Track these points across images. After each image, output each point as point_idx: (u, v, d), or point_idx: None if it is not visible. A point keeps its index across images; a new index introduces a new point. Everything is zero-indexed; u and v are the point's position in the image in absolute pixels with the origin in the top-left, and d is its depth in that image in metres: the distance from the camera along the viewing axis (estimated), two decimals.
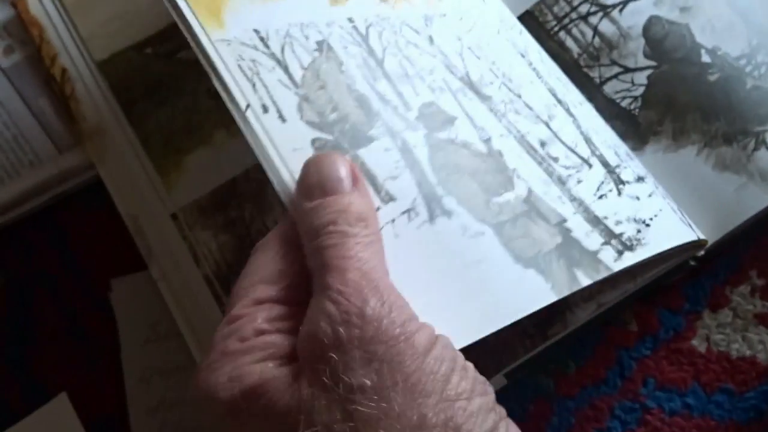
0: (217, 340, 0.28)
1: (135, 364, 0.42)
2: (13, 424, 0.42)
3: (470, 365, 0.27)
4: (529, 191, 0.34)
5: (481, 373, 0.28)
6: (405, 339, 0.26)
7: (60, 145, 0.46)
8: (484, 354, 0.29)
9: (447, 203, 0.32)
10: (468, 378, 0.26)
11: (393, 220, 0.31)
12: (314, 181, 0.29)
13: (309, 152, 0.32)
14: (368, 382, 0.25)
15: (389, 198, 0.31)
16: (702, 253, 0.38)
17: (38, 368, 0.44)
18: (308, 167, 0.30)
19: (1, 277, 0.45)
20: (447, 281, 0.31)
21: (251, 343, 0.27)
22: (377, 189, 0.31)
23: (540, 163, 0.36)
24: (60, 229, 0.46)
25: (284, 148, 0.32)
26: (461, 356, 0.27)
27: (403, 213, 0.31)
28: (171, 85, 0.46)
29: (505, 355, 0.35)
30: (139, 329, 0.43)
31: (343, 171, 0.29)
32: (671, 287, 0.39)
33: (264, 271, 0.29)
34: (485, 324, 0.30)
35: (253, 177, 0.43)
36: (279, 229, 0.31)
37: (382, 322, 0.25)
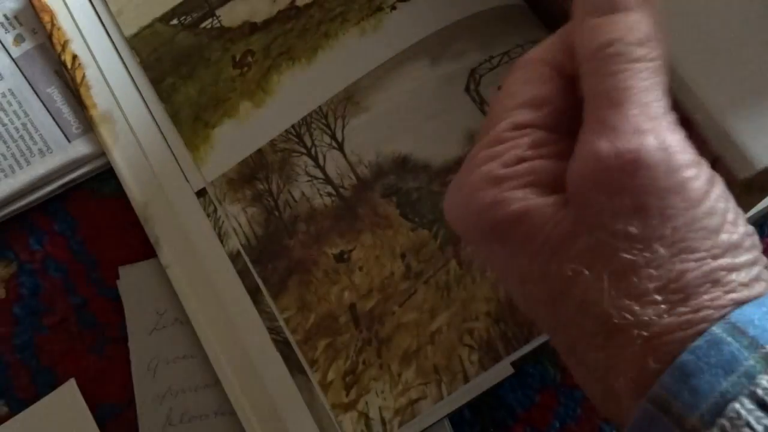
0: (479, 161, 0.27)
1: (142, 352, 0.43)
2: (22, 410, 0.43)
3: (741, 216, 0.26)
4: None
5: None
6: (678, 190, 0.24)
7: (69, 134, 0.47)
8: None
9: None
10: (737, 232, 0.25)
11: None
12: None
13: None
14: (635, 231, 0.24)
15: None
16: None
17: (47, 355, 0.44)
18: None
19: (11, 265, 0.46)
20: None
21: (515, 170, 0.26)
22: None
23: None
24: (70, 217, 0.46)
25: None
26: (733, 206, 0.26)
27: None
28: (197, 57, 0.47)
29: None
30: (147, 317, 0.43)
31: None
32: None
33: (525, 94, 0.28)
34: None
35: (279, 147, 0.44)
36: (542, 48, 0.29)
37: (658, 170, 0.24)
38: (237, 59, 0.47)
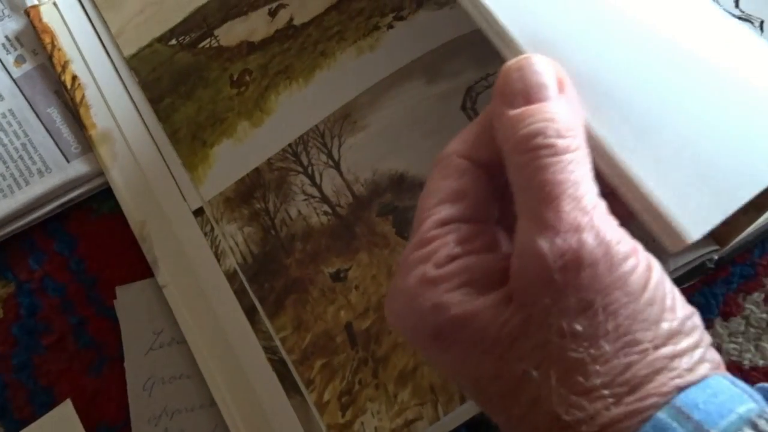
0: (411, 264, 0.28)
1: (138, 371, 0.43)
2: (19, 430, 0.43)
3: (678, 298, 0.26)
4: None
5: None
6: (620, 285, 0.25)
7: (68, 154, 0.47)
8: None
9: None
10: (677, 318, 0.25)
11: None
12: (517, 87, 0.27)
13: None
14: (580, 329, 0.24)
15: None
16: (715, 259, 0.37)
17: (45, 375, 0.44)
18: (510, 72, 0.28)
19: (10, 285, 0.46)
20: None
21: (449, 270, 0.27)
22: None
23: None
24: (69, 237, 0.47)
25: None
26: (670, 289, 0.26)
27: None
28: (195, 76, 0.47)
29: None
30: (143, 337, 0.43)
31: (548, 77, 0.27)
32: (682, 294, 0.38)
33: (444, 190, 0.28)
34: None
35: (276, 166, 0.44)
36: (456, 141, 0.29)
37: (598, 267, 0.24)
38: (235, 78, 0.47)
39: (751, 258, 0.38)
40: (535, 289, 0.25)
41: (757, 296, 0.38)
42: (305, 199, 0.43)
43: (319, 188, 0.43)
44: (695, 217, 0.27)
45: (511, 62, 0.28)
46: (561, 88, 0.28)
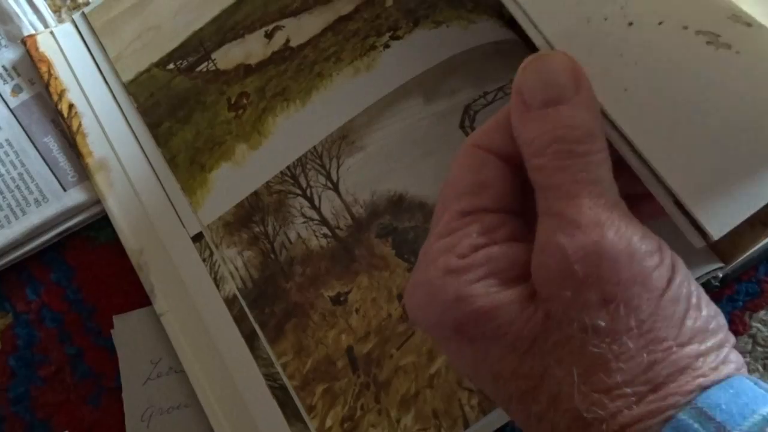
0: (434, 255, 0.27)
1: (135, 402, 0.42)
2: None
3: (703, 297, 0.26)
4: None
5: None
6: (642, 280, 0.24)
7: (65, 182, 0.47)
8: None
9: None
10: (701, 317, 0.25)
11: None
12: (534, 86, 0.27)
13: None
14: (602, 324, 0.24)
15: None
16: (720, 276, 0.36)
17: (42, 408, 0.43)
18: (529, 70, 0.27)
19: (7, 317, 0.46)
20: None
21: (471, 260, 0.26)
22: None
23: None
24: (66, 266, 0.46)
25: None
26: (695, 288, 0.26)
27: None
28: (193, 100, 0.47)
29: None
30: (141, 367, 0.42)
31: (567, 77, 0.27)
32: None
33: (465, 181, 0.28)
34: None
35: (275, 189, 0.44)
36: (479, 133, 0.29)
37: (619, 260, 0.24)
38: (232, 102, 0.47)
39: (756, 275, 0.38)
40: (556, 283, 0.25)
41: (764, 314, 0.37)
42: (304, 222, 0.43)
43: (318, 211, 0.43)
44: (719, 215, 0.27)
45: (530, 58, 0.28)
46: (579, 86, 0.27)
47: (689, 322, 0.25)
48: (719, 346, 0.25)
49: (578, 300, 0.24)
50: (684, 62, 0.29)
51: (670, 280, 0.25)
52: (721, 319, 0.26)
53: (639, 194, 0.28)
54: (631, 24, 0.30)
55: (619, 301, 0.24)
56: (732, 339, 0.26)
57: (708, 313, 0.25)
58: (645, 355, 0.24)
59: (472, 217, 0.27)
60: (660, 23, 0.30)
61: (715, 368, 0.24)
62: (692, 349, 0.24)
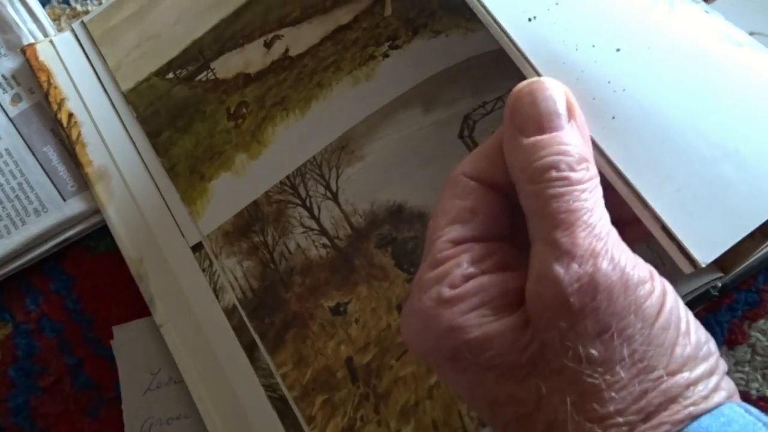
0: (426, 285, 0.27)
1: (135, 413, 0.42)
2: None
3: (692, 323, 0.26)
4: None
5: None
6: (635, 309, 0.25)
7: (65, 192, 0.47)
8: None
9: None
10: (691, 344, 0.25)
11: None
12: (529, 114, 0.27)
13: None
14: (596, 354, 0.24)
15: None
16: (719, 286, 0.36)
17: (42, 418, 0.44)
18: (521, 97, 0.28)
19: (7, 327, 0.46)
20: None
21: (463, 290, 0.27)
22: None
23: None
24: (66, 276, 0.46)
25: None
26: (685, 314, 0.26)
27: None
28: (193, 110, 0.47)
29: None
30: (140, 377, 0.42)
31: (560, 104, 0.27)
32: None
33: (455, 210, 0.28)
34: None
35: (274, 199, 0.44)
36: (466, 161, 0.29)
37: (614, 291, 0.25)
38: (232, 111, 0.47)
39: (755, 284, 0.38)
40: (551, 314, 0.25)
41: (763, 323, 0.37)
42: (304, 232, 0.43)
43: (318, 220, 0.43)
44: (707, 241, 0.27)
45: (522, 85, 0.28)
46: (571, 113, 0.27)
47: (679, 350, 0.25)
48: (710, 373, 0.25)
49: (573, 330, 0.25)
50: (671, 88, 0.29)
51: (661, 307, 0.25)
52: (712, 345, 0.26)
53: (627, 219, 0.28)
54: (618, 50, 0.30)
55: (613, 331, 0.24)
56: (723, 365, 0.26)
57: (698, 338, 0.26)
58: (637, 384, 0.24)
59: (462, 246, 0.28)
60: (648, 48, 0.30)
61: (705, 396, 0.24)
62: (683, 377, 0.25)
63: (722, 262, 0.35)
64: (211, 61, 0.48)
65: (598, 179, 0.27)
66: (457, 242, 0.28)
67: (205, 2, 0.49)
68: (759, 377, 0.36)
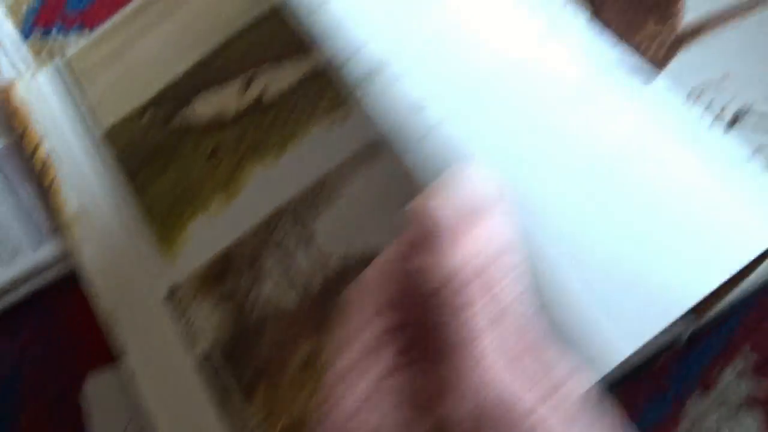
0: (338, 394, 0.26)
1: None
2: None
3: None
4: None
5: None
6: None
7: (39, 236, 0.46)
8: None
9: None
10: None
11: None
12: (417, 233, 0.25)
13: None
14: None
15: None
16: (690, 331, 0.36)
17: None
18: (413, 214, 0.26)
19: None
20: None
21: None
22: None
23: None
24: (37, 323, 0.46)
25: None
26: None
27: None
28: (169, 151, 0.47)
29: None
30: (112, 428, 0.42)
31: (448, 219, 0.25)
32: (657, 368, 0.37)
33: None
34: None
35: (249, 243, 0.43)
36: (364, 292, 0.28)
37: (499, 429, 0.23)
38: (208, 154, 0.47)
39: (726, 327, 0.37)
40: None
41: (732, 370, 0.37)
42: (278, 279, 0.43)
43: (291, 267, 0.43)
44: (626, 332, 0.26)
45: (414, 203, 0.26)
46: (465, 222, 0.25)
47: None
48: None
49: None
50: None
51: None
52: None
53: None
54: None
55: None
56: None
57: None
58: None
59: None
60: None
61: None
62: None
63: (695, 307, 0.35)
64: (187, 102, 0.48)
65: (490, 293, 0.25)
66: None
67: (184, 42, 0.49)
68: (731, 423, 0.36)
